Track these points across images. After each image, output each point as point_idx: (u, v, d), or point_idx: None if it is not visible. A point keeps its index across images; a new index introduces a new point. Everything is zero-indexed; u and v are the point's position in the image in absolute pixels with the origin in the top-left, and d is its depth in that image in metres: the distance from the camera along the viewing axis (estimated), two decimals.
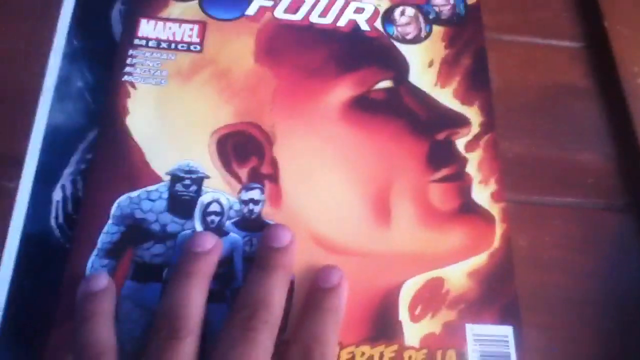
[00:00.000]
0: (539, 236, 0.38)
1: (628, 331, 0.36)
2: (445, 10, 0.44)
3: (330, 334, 0.30)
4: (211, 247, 0.31)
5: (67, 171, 0.35)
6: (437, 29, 0.43)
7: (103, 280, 0.30)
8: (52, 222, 0.33)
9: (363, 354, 0.32)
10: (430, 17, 0.43)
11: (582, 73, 0.44)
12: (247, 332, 0.28)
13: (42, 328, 0.31)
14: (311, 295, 0.31)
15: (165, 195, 0.34)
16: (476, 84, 0.41)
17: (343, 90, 0.39)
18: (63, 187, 0.34)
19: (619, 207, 0.39)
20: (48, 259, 0.33)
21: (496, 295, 0.34)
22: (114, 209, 0.33)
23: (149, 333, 0.29)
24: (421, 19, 0.43)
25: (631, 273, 0.37)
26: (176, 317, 0.28)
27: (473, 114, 0.39)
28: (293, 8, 0.42)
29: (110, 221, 0.33)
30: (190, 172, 0.35)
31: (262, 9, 0.41)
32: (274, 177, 0.36)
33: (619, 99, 0.42)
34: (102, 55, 0.39)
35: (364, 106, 0.39)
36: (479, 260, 0.35)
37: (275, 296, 0.30)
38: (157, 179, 0.34)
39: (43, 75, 0.38)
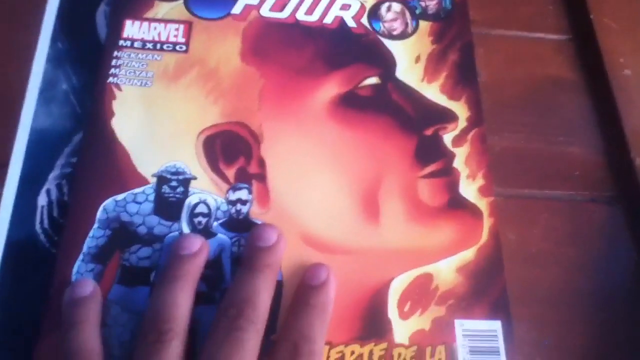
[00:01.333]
0: (528, 230, 0.38)
1: (618, 322, 0.36)
2: (432, 5, 0.43)
3: (317, 331, 0.30)
4: (197, 250, 0.31)
5: (53, 175, 0.35)
6: (424, 24, 0.43)
7: (88, 287, 0.30)
8: (38, 227, 0.33)
9: (352, 352, 0.32)
10: (417, 12, 0.43)
11: (569, 66, 0.44)
12: (233, 332, 0.28)
13: (30, 335, 0.30)
14: (299, 293, 0.31)
15: (152, 197, 0.34)
16: (463, 78, 0.40)
17: (330, 88, 0.39)
18: (48, 192, 0.34)
19: (606, 199, 0.39)
20: (34, 265, 0.32)
21: (485, 289, 0.34)
22: (99, 213, 0.33)
23: (136, 337, 0.29)
24: (407, 14, 0.43)
25: (619, 264, 0.37)
26: (162, 320, 0.28)
27: (460, 108, 0.39)
28: (279, 6, 0.41)
29: (96, 225, 0.33)
30: (176, 173, 0.35)
31: (247, 7, 0.41)
32: (261, 177, 0.36)
33: (605, 90, 0.42)
34: (88, 57, 0.39)
35: (351, 103, 0.39)
36: (468, 255, 0.35)
37: (261, 296, 0.30)
38: (144, 182, 0.34)
39: (27, 78, 0.38)
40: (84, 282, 0.31)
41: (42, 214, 0.34)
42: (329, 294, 0.31)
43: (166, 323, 0.28)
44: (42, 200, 0.34)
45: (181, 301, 0.29)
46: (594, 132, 0.42)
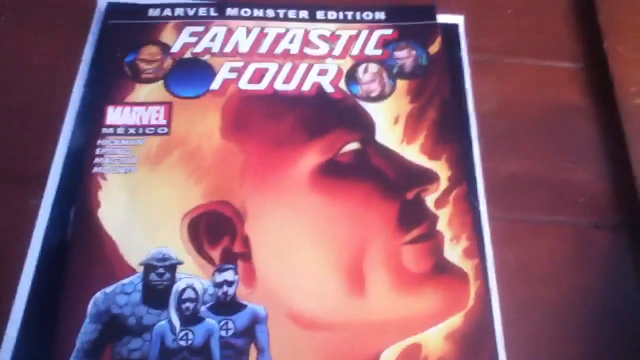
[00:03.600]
0: (528, 252, 0.38)
1: (612, 347, 0.36)
2: (408, 63, 0.44)
3: None
4: None
5: None
6: (401, 83, 0.43)
7: None
8: (70, 235, 0.37)
9: None
10: (394, 71, 0.44)
11: (581, 93, 0.45)
12: None
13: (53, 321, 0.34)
14: None
15: (140, 287, 0.35)
16: (443, 136, 0.41)
17: (311, 158, 0.39)
18: None
19: (609, 226, 0.40)
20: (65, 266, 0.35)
21: (475, 354, 0.34)
22: (90, 307, 0.34)
23: None
24: (385, 74, 0.43)
25: (618, 291, 0.37)
26: None
27: (441, 168, 0.40)
28: (257, 77, 0.42)
29: (87, 319, 0.34)
30: (163, 259, 0.35)
31: (226, 82, 0.42)
32: (246, 256, 0.36)
33: (615, 119, 0.42)
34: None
35: (332, 171, 0.39)
36: (455, 321, 0.35)
37: None
38: (132, 271, 0.35)
39: (68, 101, 0.41)
40: None
41: None
42: None
43: None
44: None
45: None
46: (601, 159, 0.42)
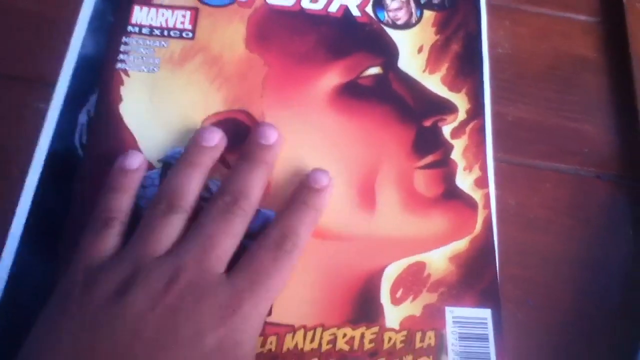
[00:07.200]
0: (529, 197, 0.39)
1: (604, 293, 0.37)
2: None
3: (306, 229, 0.33)
4: (215, 143, 0.35)
5: (93, 97, 0.38)
6: (428, 14, 0.43)
7: (138, 159, 0.34)
8: (76, 141, 0.37)
9: (345, 335, 0.33)
10: (422, 1, 0.43)
11: (594, 47, 0.45)
12: (226, 215, 0.32)
13: (58, 229, 0.34)
14: (299, 192, 0.34)
15: (157, 182, 0.35)
16: (464, 70, 0.41)
17: (332, 77, 0.40)
18: (88, 112, 0.37)
19: (612, 177, 0.40)
20: (69, 173, 0.36)
21: (476, 279, 0.35)
22: None
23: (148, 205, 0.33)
24: (412, 3, 0.43)
25: (613, 240, 0.38)
26: (174, 196, 0.32)
27: (460, 100, 0.40)
28: None
29: None
30: None
31: None
32: None
33: (625, 75, 0.42)
34: None
35: (352, 93, 0.39)
36: (461, 245, 0.36)
37: (255, 189, 0.33)
38: (150, 166, 0.36)
39: (79, 8, 0.41)
40: (136, 155, 0.35)
41: (81, 130, 0.37)
42: (325, 199, 0.34)
43: (177, 199, 0.32)
44: (82, 118, 0.37)
45: (193, 183, 0.33)
46: (608, 112, 0.42)
